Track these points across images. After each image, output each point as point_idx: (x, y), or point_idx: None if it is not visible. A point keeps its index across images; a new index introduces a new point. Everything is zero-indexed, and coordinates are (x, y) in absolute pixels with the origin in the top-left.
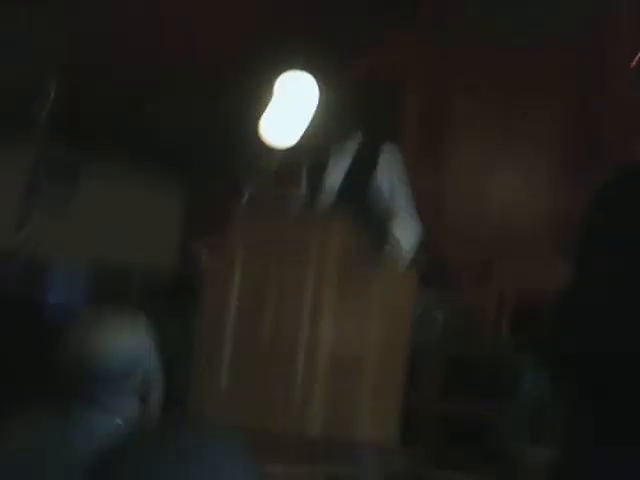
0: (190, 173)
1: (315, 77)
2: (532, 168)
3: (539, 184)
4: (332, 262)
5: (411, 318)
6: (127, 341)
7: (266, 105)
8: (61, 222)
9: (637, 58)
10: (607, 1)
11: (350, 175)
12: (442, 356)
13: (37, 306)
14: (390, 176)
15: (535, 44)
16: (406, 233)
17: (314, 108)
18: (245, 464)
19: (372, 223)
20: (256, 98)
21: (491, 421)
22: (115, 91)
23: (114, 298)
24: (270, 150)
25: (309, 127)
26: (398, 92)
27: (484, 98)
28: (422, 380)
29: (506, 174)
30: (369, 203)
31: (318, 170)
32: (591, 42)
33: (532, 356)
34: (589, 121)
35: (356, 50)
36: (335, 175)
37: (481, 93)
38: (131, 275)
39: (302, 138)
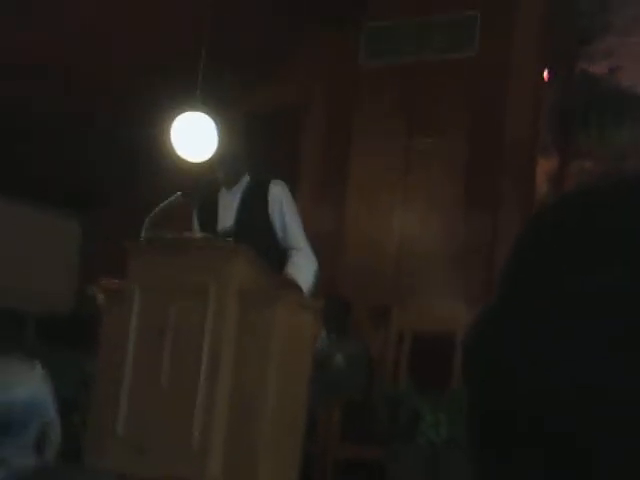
0: (86, 213)
1: (212, 117)
2: (433, 208)
3: (440, 225)
4: (231, 305)
5: (311, 361)
6: (23, 391)
7: (163, 145)
8: None
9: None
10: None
11: (241, 213)
12: (341, 399)
13: None
14: (280, 212)
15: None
16: (302, 270)
17: (212, 147)
18: None
19: (267, 260)
20: (153, 138)
21: (388, 465)
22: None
23: (8, 344)
24: (166, 189)
25: (203, 166)
26: (299, 126)
27: (386, 134)
28: (321, 424)
29: (407, 214)
30: (263, 240)
31: (210, 210)
32: (486, 76)
33: (430, 399)
34: (486, 163)
35: (259, 83)
36: (226, 215)
37: (383, 130)
38: (25, 319)
39: (196, 176)
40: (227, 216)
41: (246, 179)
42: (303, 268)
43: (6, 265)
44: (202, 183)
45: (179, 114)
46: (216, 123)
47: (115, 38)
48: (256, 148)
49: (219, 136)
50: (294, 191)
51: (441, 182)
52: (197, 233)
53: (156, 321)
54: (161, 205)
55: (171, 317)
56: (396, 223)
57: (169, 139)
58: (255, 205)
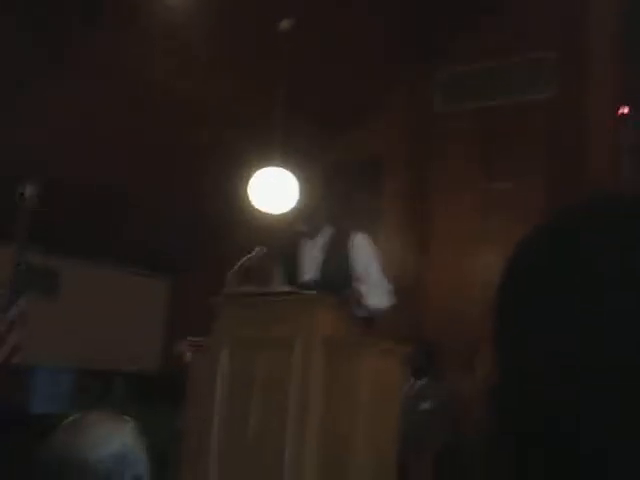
0: (171, 274)
1: (291, 171)
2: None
3: None
4: (317, 355)
5: (399, 407)
6: (113, 446)
7: (244, 201)
8: (43, 328)
9: (625, 108)
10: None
11: (324, 265)
12: (432, 445)
13: (21, 413)
14: (363, 259)
15: (511, 115)
16: (374, 293)
17: (291, 201)
18: None
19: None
20: (235, 195)
21: None
22: (89, 194)
23: (99, 401)
24: (248, 245)
25: (284, 219)
26: (379, 173)
27: (464, 178)
28: (412, 472)
29: (489, 257)
30: (345, 291)
31: (293, 262)
32: (565, 121)
33: None
34: (570, 200)
35: (338, 133)
36: (309, 266)
37: (461, 175)
38: (115, 377)
39: (276, 230)
40: (310, 268)
41: (329, 230)
42: (376, 292)
43: (96, 326)
44: (283, 236)
45: (258, 169)
46: (296, 176)
47: (193, 95)
48: (337, 199)
49: (299, 189)
50: (376, 237)
51: (522, 224)
52: (280, 285)
53: (243, 375)
54: (242, 260)
55: (258, 370)
56: (479, 266)
57: (249, 195)
58: (338, 257)
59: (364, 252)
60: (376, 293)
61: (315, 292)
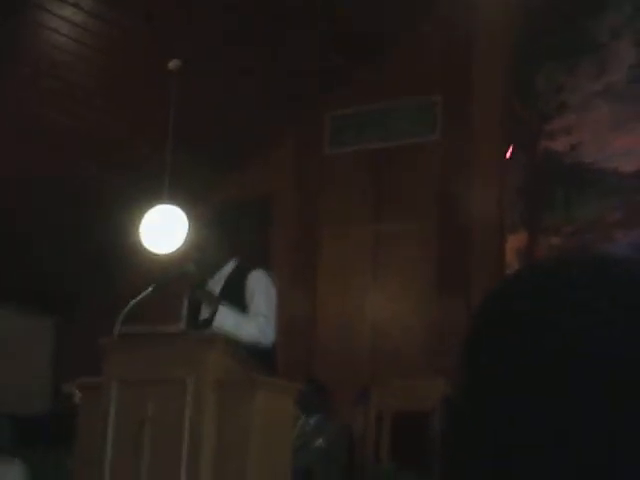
0: (59, 312)
1: (181, 209)
2: (405, 290)
3: (413, 305)
4: (209, 395)
5: (291, 446)
6: None
7: (134, 240)
8: None
9: (510, 150)
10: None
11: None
12: None
13: None
14: (252, 289)
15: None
16: (241, 321)
17: (181, 239)
18: None
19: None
20: (125, 233)
21: None
22: None
23: None
24: (139, 284)
25: (175, 257)
26: (269, 214)
27: (354, 219)
28: None
29: (378, 296)
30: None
31: (195, 300)
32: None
33: (412, 478)
34: (455, 243)
35: (228, 174)
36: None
37: (351, 215)
38: (3, 419)
39: (178, 271)
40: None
41: (231, 266)
42: (243, 321)
43: None
44: (173, 275)
45: (148, 208)
46: (186, 215)
47: (82, 133)
48: (227, 238)
49: (189, 228)
50: None
51: (411, 263)
52: (173, 325)
53: (134, 416)
54: (135, 299)
55: (149, 411)
56: (368, 305)
57: (139, 233)
58: (233, 293)
59: (253, 287)
60: (247, 326)
61: (207, 332)
